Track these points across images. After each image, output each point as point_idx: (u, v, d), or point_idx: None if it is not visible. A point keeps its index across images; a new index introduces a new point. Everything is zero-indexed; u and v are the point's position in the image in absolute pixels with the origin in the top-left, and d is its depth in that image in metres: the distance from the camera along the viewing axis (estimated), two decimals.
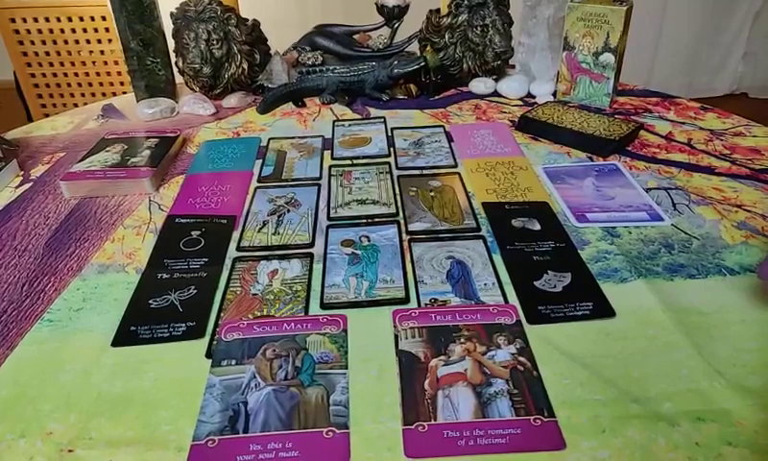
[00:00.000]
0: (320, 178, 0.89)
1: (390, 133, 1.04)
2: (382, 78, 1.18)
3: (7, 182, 0.90)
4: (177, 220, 0.78)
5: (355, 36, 1.38)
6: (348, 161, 0.94)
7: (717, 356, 0.53)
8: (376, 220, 0.77)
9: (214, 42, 1.13)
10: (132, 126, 1.11)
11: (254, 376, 0.52)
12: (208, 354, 0.56)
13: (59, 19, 2.35)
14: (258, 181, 0.89)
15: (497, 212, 0.78)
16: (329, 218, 0.78)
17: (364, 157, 0.95)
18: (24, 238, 0.75)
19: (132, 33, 1.11)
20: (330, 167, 0.92)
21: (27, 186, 0.89)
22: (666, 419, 0.47)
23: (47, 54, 2.41)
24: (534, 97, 1.19)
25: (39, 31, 2.36)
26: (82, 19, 2.36)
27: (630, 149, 0.95)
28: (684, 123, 1.04)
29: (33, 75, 2.45)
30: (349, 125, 1.08)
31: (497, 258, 0.68)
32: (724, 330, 0.56)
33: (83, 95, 2.53)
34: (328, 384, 0.52)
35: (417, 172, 0.90)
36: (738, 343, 0.55)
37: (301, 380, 0.52)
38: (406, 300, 0.62)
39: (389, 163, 0.93)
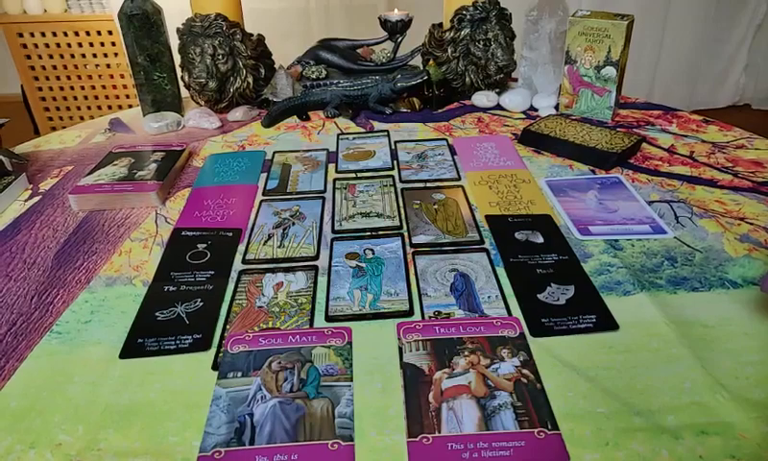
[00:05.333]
0: (324, 191, 0.90)
1: (393, 147, 1.05)
2: (385, 92, 1.19)
3: (16, 196, 0.91)
4: (183, 233, 0.79)
5: (359, 50, 1.39)
6: (353, 174, 0.95)
7: (720, 369, 0.54)
8: (380, 233, 0.78)
9: (220, 57, 1.15)
10: (138, 140, 1.12)
11: (260, 388, 0.53)
12: (215, 366, 0.56)
13: (65, 34, 2.39)
14: (263, 194, 0.90)
15: (500, 225, 0.78)
16: (334, 231, 0.79)
17: (368, 171, 0.96)
18: (33, 251, 0.76)
19: (140, 48, 1.13)
20: (335, 180, 0.93)
21: (36, 200, 0.90)
22: (670, 432, 0.48)
23: (54, 68, 2.44)
24: (536, 110, 1.20)
25: (47, 45, 2.40)
26: (88, 34, 2.39)
27: (632, 162, 0.96)
28: (686, 136, 1.05)
29: (40, 89, 2.48)
30: (353, 138, 1.09)
31: (501, 271, 0.69)
32: (727, 343, 0.57)
33: (89, 108, 2.56)
34: (333, 396, 0.52)
35: (420, 185, 0.91)
36: (741, 356, 0.55)
37: (307, 393, 0.52)
38: (410, 312, 0.63)
39: (392, 176, 0.93)
